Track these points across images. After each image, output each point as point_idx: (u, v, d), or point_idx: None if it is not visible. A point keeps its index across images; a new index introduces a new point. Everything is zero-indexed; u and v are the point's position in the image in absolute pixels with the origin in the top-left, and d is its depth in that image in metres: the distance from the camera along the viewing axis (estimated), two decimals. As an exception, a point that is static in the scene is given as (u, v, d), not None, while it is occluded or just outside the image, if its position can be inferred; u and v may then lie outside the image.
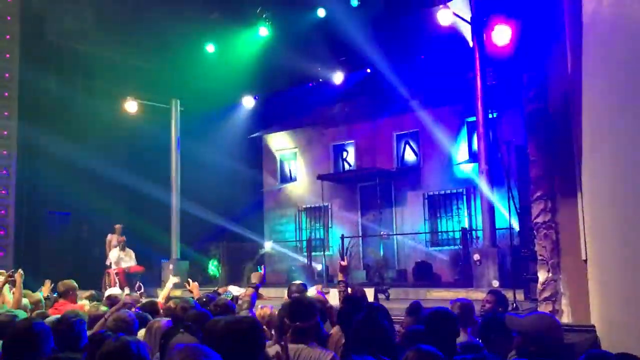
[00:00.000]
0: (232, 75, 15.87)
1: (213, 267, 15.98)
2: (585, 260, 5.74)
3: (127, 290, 11.47)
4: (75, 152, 13.73)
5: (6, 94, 12.18)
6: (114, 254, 12.84)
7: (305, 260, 16.37)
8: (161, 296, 6.94)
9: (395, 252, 16.00)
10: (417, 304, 4.46)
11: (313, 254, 16.37)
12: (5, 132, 12.15)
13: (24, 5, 12.62)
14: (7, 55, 12.23)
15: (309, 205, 18.32)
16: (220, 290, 9.12)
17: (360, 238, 16.59)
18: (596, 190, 5.30)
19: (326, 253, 16.59)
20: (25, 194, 12.84)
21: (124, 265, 12.74)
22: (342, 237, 15.05)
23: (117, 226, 13.27)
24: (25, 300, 5.86)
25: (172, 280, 7.25)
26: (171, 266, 14.84)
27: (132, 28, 13.28)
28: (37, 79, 13.34)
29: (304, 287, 5.94)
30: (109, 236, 13.22)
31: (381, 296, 9.57)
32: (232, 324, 2.57)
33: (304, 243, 17.22)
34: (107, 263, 12.85)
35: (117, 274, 12.51)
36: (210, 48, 15.46)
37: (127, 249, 12.98)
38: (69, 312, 3.85)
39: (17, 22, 12.41)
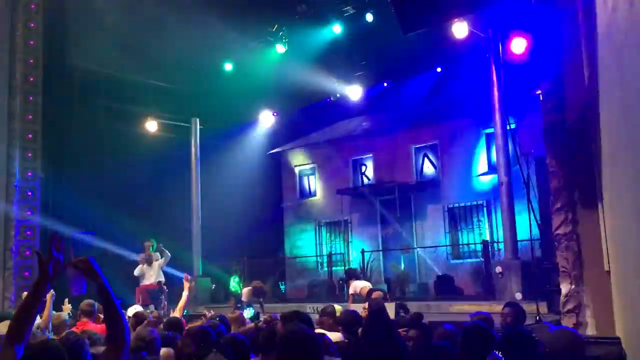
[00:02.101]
0: (250, 93, 16.05)
1: (235, 284, 16.04)
2: (609, 272, 5.68)
3: (152, 308, 11.48)
4: (98, 172, 13.97)
5: (30, 116, 12.42)
6: (137, 271, 12.82)
7: (326, 276, 16.37)
8: (177, 309, 7.00)
9: (417, 266, 15.93)
10: (419, 315, 4.49)
11: (333, 268, 16.36)
12: (30, 154, 12.39)
13: (47, 29, 12.92)
14: (31, 79, 12.50)
15: (328, 220, 18.34)
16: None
17: (381, 252, 16.55)
18: (618, 200, 5.26)
19: (347, 267, 16.57)
20: (50, 214, 13.04)
21: (147, 281, 12.71)
22: (363, 252, 15.04)
23: (146, 243, 13.16)
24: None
25: (185, 292, 7.32)
26: (193, 283, 14.92)
27: (152, 49, 13.51)
28: (60, 101, 13.62)
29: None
30: (141, 255, 13.13)
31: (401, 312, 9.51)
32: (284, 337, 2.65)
33: (325, 258, 17.23)
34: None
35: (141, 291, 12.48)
36: (228, 66, 15.68)
37: (154, 264, 12.84)
38: (70, 334, 3.91)
39: (39, 46, 12.69)
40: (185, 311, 10.68)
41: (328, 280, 16.01)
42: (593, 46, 5.46)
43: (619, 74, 4.73)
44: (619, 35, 4.50)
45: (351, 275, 10.82)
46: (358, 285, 10.05)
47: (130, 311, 7.53)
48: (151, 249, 13.00)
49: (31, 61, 12.57)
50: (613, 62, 4.82)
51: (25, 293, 6.58)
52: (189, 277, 8.19)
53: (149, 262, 12.79)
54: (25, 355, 2.43)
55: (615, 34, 4.63)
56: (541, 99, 6.38)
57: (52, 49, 13.32)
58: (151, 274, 12.80)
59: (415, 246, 16.07)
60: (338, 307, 6.33)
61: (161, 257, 12.90)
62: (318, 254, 18.15)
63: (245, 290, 11.36)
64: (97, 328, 5.79)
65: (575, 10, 5.96)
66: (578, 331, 5.79)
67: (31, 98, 12.49)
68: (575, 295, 5.96)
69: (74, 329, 5.86)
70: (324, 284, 16.00)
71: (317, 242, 18.46)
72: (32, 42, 12.62)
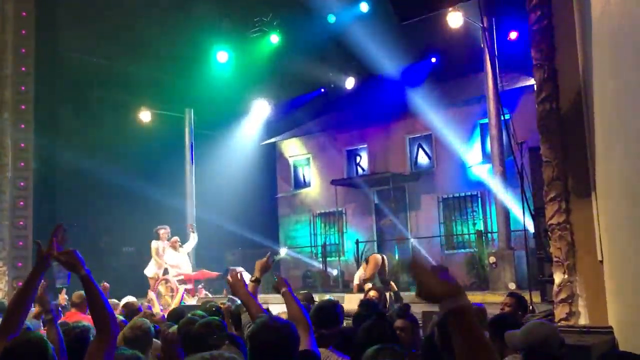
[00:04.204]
0: (244, 83, 16.01)
1: (229, 274, 16.04)
2: (602, 261, 5.69)
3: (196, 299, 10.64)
4: (91, 162, 13.90)
5: (23, 106, 12.32)
6: (172, 258, 11.69)
7: (320, 266, 16.39)
8: (174, 302, 7.01)
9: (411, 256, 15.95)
10: (407, 306, 4.57)
11: (328, 259, 16.38)
12: (22, 145, 12.30)
13: (38, 19, 12.80)
14: (23, 69, 12.39)
15: (323, 211, 18.34)
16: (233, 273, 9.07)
17: (375, 242, 16.56)
18: (611, 190, 5.27)
19: (341, 258, 16.60)
20: (42, 205, 12.97)
21: (185, 269, 11.67)
22: (357, 242, 15.04)
23: (162, 231, 12.11)
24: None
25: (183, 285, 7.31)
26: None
27: (145, 39, 13.43)
28: (52, 91, 13.53)
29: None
30: (154, 242, 12.16)
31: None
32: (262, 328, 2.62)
33: (319, 248, 17.23)
34: (157, 269, 11.81)
35: (184, 281, 11.43)
36: (222, 57, 15.60)
37: (182, 250, 12.01)
38: (76, 324, 3.90)
39: (31, 36, 12.58)
40: (182, 302, 10.62)
41: (322, 271, 16.03)
42: (587, 34, 5.45)
43: (613, 64, 4.73)
44: (612, 24, 4.48)
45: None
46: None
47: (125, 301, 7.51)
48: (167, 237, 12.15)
49: (23, 51, 12.45)
50: (608, 51, 4.81)
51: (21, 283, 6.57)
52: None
53: (174, 248, 11.94)
54: (8, 348, 2.41)
55: (609, 23, 4.61)
56: (535, 87, 6.37)
57: (44, 39, 13.21)
58: (185, 261, 11.95)
59: (410, 236, 16.09)
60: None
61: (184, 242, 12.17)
62: (312, 245, 18.16)
63: None
64: (87, 318, 5.76)
65: (570, -2, 5.93)
66: (571, 321, 5.81)
67: (23, 88, 12.38)
68: (568, 285, 5.96)
69: (63, 319, 5.84)
70: (318, 275, 16.03)
71: (312, 232, 18.46)
72: (24, 32, 12.50)
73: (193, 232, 12.38)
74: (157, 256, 11.96)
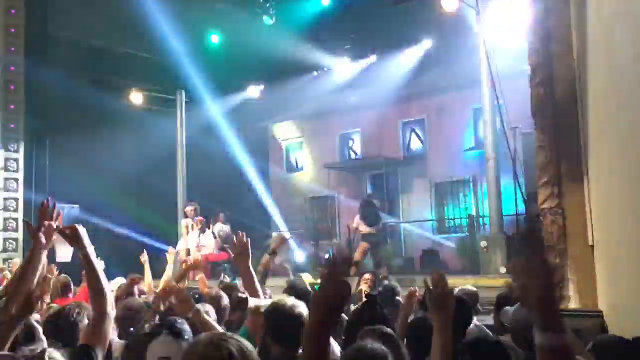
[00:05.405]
0: (237, 65, 15.87)
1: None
2: (593, 246, 5.72)
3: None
4: (82, 144, 13.80)
5: (12, 87, 12.20)
6: (193, 239, 11.47)
7: (313, 250, 16.40)
8: (161, 284, 6.95)
9: (402, 240, 15.99)
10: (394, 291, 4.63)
11: (320, 243, 16.40)
12: (13, 125, 12.19)
13: (29, -2, 12.64)
14: (12, 49, 12.25)
15: (316, 195, 18.32)
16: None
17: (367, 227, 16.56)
18: (604, 175, 5.27)
19: (333, 242, 16.62)
20: (33, 186, 12.89)
21: (206, 251, 11.36)
22: (348, 227, 15.04)
23: (189, 209, 11.89)
24: None
25: (170, 265, 7.27)
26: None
27: (137, 20, 13.27)
28: (42, 72, 13.37)
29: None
30: (184, 221, 11.93)
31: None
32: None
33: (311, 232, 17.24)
34: (183, 246, 11.53)
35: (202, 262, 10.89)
36: (215, 38, 15.45)
37: (208, 232, 11.70)
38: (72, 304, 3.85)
39: (21, 16, 12.41)
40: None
41: (314, 254, 16.04)
42: (583, 19, 5.42)
43: (608, 49, 4.70)
44: (609, 8, 4.45)
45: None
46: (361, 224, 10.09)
47: (115, 284, 7.47)
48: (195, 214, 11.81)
49: (12, 30, 12.29)
50: (603, 36, 4.79)
51: (17, 261, 6.48)
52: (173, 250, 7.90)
53: (203, 230, 11.60)
54: None
55: (605, 7, 4.58)
56: (529, 72, 6.34)
57: (34, 19, 13.04)
58: (208, 244, 11.61)
59: (402, 221, 16.12)
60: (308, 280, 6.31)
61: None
62: (305, 229, 18.15)
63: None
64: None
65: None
66: (561, 305, 5.85)
67: (13, 68, 12.25)
68: (560, 269, 5.99)
69: (55, 302, 5.77)
70: (310, 258, 16.05)
71: (304, 216, 18.45)
72: (13, 12, 12.33)
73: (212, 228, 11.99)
74: (186, 234, 11.75)
